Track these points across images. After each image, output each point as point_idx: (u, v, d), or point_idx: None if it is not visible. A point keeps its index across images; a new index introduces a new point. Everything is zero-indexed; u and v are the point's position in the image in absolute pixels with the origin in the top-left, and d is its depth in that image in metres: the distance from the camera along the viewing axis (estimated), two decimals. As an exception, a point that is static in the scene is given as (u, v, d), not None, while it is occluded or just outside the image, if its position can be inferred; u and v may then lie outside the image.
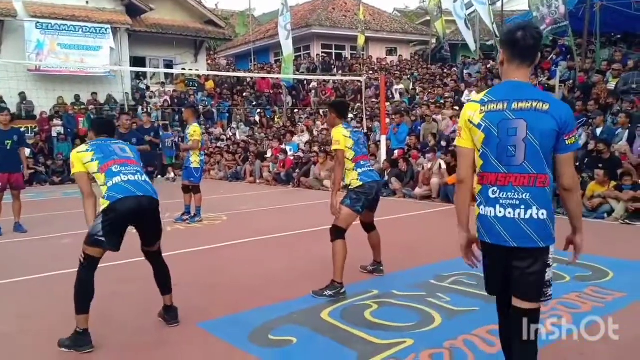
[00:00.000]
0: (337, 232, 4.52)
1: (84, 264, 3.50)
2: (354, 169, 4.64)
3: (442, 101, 14.80)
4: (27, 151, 15.29)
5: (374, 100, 18.00)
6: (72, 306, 3.47)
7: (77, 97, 18.63)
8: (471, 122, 2.33)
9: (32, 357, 3.52)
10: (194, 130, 8.22)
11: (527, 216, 2.24)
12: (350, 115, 16.29)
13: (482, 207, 2.36)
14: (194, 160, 8.25)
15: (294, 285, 4.83)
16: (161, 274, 3.89)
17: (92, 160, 3.56)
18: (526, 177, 2.24)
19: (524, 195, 2.25)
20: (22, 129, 15.88)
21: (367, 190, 4.62)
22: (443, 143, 12.06)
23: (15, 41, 17.87)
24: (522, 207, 2.25)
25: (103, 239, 3.44)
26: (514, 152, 2.24)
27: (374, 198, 4.75)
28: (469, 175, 2.42)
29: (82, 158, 3.57)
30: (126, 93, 19.99)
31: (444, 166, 10.44)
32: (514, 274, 2.32)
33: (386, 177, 11.51)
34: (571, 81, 12.58)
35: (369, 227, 5.06)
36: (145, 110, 18.32)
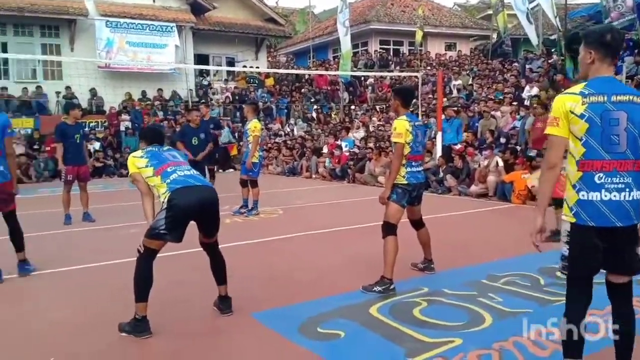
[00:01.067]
0: (388, 228, 4.54)
1: (143, 255, 3.66)
2: (405, 166, 4.61)
3: (501, 97, 14.49)
4: (97, 144, 16.32)
5: (430, 96, 17.83)
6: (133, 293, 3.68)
7: (143, 93, 19.50)
8: (573, 113, 2.49)
9: (94, 340, 3.68)
10: (254, 125, 8.41)
11: (631, 198, 2.49)
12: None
13: (583, 192, 2.53)
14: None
15: (344, 280, 4.88)
16: (217, 265, 4.03)
17: (147, 166, 3.76)
18: (629, 162, 2.48)
19: (628, 180, 2.48)
20: (92, 124, 17.09)
21: (411, 189, 4.65)
22: (502, 140, 11.85)
23: (87, 39, 18.86)
24: (627, 190, 2.48)
25: (166, 232, 3.58)
26: (617, 140, 2.46)
27: (417, 195, 4.77)
28: (559, 162, 2.59)
29: (136, 163, 3.80)
30: (190, 90, 20.72)
31: (501, 164, 10.26)
32: (614, 252, 2.54)
33: (441, 174, 11.45)
34: (638, 76, 12.02)
35: (417, 224, 5.04)
36: (205, 102, 18.97)
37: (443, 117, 12.78)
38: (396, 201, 4.60)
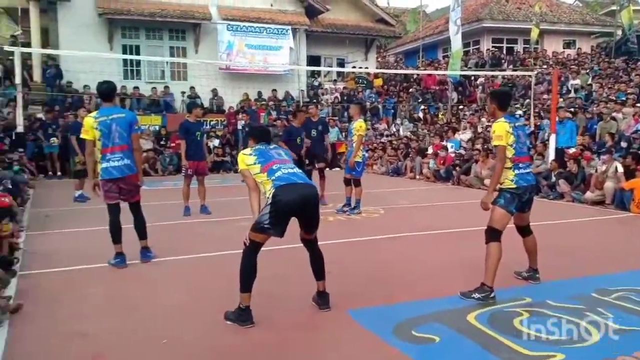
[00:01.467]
0: (492, 234, 4.41)
1: (249, 248, 3.86)
2: (512, 169, 4.46)
3: (623, 98, 13.63)
4: (216, 141, 17.46)
5: (545, 96, 17.13)
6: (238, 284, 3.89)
7: (259, 94, 20.56)
8: None
9: (200, 326, 3.93)
10: (360, 125, 8.64)
11: None
12: (519, 112, 15.77)
13: None
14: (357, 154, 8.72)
15: (443, 284, 4.86)
16: (316, 260, 4.16)
17: (255, 163, 3.97)
18: None
19: None
20: (213, 122, 18.33)
21: (521, 192, 4.47)
22: (623, 144, 11.20)
23: (210, 42, 20.07)
24: None
25: (269, 227, 3.78)
26: None
27: (527, 199, 4.58)
28: None
29: (245, 160, 4.03)
30: (302, 90, 21.52)
31: (620, 169, 9.66)
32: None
33: (553, 178, 11.07)
34: None
35: (524, 230, 4.83)
36: (315, 102, 19.66)
37: (557, 118, 12.31)
38: (503, 206, 4.45)
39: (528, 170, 4.62)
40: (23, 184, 11.24)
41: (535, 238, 4.89)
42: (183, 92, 19.30)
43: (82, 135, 5.49)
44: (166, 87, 19.46)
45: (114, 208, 5.47)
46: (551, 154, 11.82)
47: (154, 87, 19.48)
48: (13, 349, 3.59)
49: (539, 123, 14.75)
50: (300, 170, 4.17)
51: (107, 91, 5.66)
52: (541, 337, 3.60)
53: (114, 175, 5.34)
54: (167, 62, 19.85)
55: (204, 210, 8.72)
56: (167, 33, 20.22)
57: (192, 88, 19.33)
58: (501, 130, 4.43)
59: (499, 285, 4.44)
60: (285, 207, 3.80)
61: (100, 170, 5.39)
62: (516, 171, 4.47)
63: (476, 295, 4.34)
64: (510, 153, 4.46)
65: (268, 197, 3.84)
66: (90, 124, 5.35)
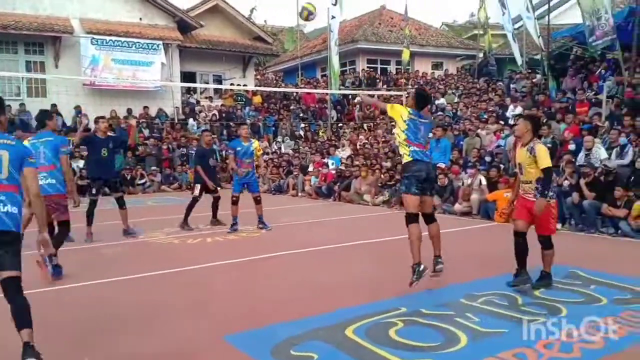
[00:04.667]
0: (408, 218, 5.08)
1: None
2: (408, 154, 5.07)
3: (485, 116, 14.55)
4: (81, 163, 16.02)
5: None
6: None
7: (129, 111, 19.33)
8: None
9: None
10: (258, 144, 9.04)
11: None
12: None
13: None
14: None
15: (322, 301, 4.84)
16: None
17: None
18: None
19: None
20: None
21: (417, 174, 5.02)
22: (487, 158, 11.85)
23: (72, 57, 18.69)
24: None
25: None
26: None
27: (425, 179, 5.05)
28: None
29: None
30: (176, 107, 20.63)
31: (484, 182, 10.30)
32: None
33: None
34: (618, 96, 12.13)
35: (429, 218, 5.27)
36: (197, 123, 18.94)
37: (430, 136, 12.77)
38: (406, 191, 5.08)
39: (423, 157, 5.09)
40: None
41: (438, 227, 5.31)
42: (42, 110, 17.58)
43: None
44: (22, 105, 17.70)
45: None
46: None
47: (9, 105, 17.51)
48: None
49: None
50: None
51: (39, 118, 6.41)
52: (415, 345, 3.71)
53: None
54: (22, 78, 18.06)
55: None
56: (23, 46, 18.54)
57: (53, 105, 17.69)
58: (398, 107, 5.27)
59: (375, 298, 4.70)
60: None
61: None
62: (412, 157, 5.02)
63: (414, 278, 4.91)
64: (402, 136, 5.07)
65: None
66: None
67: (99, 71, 18.68)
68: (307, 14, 14.98)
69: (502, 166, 10.87)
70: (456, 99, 18.74)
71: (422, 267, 4.90)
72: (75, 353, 3.75)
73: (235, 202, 8.69)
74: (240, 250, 7.34)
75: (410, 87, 21.58)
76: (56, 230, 5.90)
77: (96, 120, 8.72)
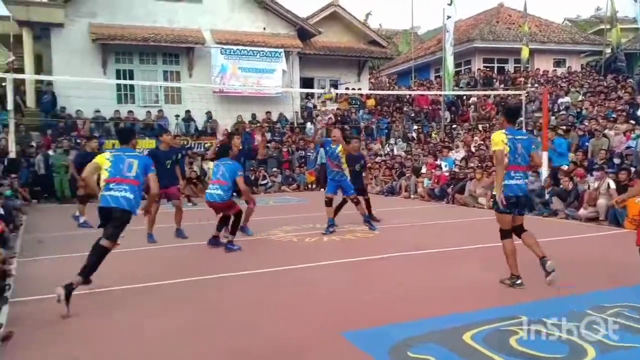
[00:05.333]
0: (501, 233, 5.39)
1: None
2: (504, 178, 5.20)
3: (614, 115, 13.77)
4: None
5: (537, 114, 17.28)
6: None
7: (253, 116, 20.66)
8: None
9: (191, 353, 3.97)
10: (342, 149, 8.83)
11: None
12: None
13: None
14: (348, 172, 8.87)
15: (437, 304, 4.89)
16: None
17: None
18: None
19: None
20: (207, 144, 18.25)
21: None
22: (616, 160, 11.28)
23: (204, 66, 20.25)
24: None
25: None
26: None
27: (515, 202, 5.26)
28: None
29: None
30: (296, 112, 21.65)
31: (613, 186, 9.71)
32: None
33: (547, 196, 11.10)
34: None
35: (518, 229, 5.42)
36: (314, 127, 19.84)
37: (549, 136, 12.41)
38: (498, 210, 5.35)
39: (519, 181, 5.27)
40: (16, 209, 11.19)
41: (530, 234, 5.39)
42: (177, 116, 19.39)
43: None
44: (160, 111, 19.53)
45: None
46: (544, 172, 11.88)
47: (149, 111, 19.55)
48: (4, 377, 3.51)
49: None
50: None
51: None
52: (537, 356, 3.59)
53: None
54: (160, 86, 19.95)
55: (180, 233, 8.67)
56: (161, 57, 20.39)
57: (187, 111, 19.41)
58: (497, 138, 5.28)
59: (493, 304, 4.57)
60: None
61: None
62: (506, 181, 5.20)
63: (507, 281, 5.31)
64: (504, 161, 5.16)
65: None
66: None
67: (227, 79, 20.05)
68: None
69: (632, 169, 10.31)
70: (580, 97, 17.83)
71: (519, 281, 5.25)
72: (194, 343, 4.05)
73: (328, 204, 8.84)
74: (354, 250, 7.51)
75: (529, 86, 20.85)
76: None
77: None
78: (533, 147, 5.53)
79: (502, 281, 5.36)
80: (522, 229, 5.42)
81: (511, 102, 19.62)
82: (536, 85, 21.35)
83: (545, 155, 12.18)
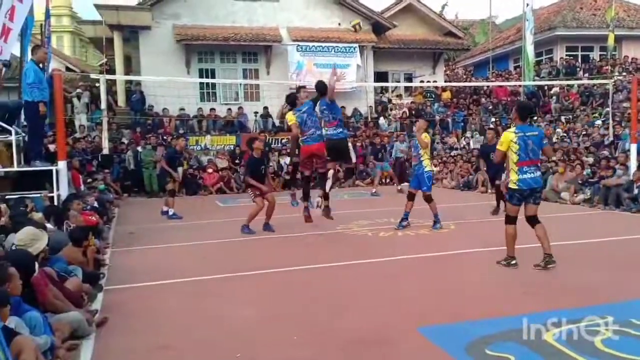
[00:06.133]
0: (507, 219, 6.01)
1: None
2: (516, 173, 5.65)
3: None
4: (288, 159, 17.86)
5: (625, 104, 16.41)
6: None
7: (327, 110, 20.92)
8: None
9: (274, 343, 4.08)
10: (426, 136, 8.81)
11: None
12: (598, 122, 15.15)
13: None
14: (427, 164, 8.82)
15: (515, 302, 4.88)
16: None
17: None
18: None
19: None
20: (284, 140, 18.64)
21: (521, 192, 5.75)
22: None
23: (280, 63, 20.73)
24: None
25: None
26: None
27: (528, 195, 5.74)
28: None
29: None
30: (370, 106, 21.71)
31: None
32: None
33: (636, 191, 10.60)
34: None
35: (531, 220, 5.90)
36: (388, 121, 19.80)
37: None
38: (510, 201, 6.00)
39: (532, 175, 5.67)
40: (109, 202, 12.09)
41: (543, 226, 5.82)
42: (256, 112, 19.99)
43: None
44: (240, 108, 20.20)
45: None
46: (633, 165, 11.34)
47: (229, 108, 20.29)
48: (99, 361, 3.84)
49: (618, 133, 14.15)
50: None
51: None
52: (623, 357, 3.51)
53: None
54: (240, 84, 20.64)
55: (267, 227, 8.91)
56: (241, 56, 21.06)
57: (265, 108, 19.99)
58: (505, 139, 5.71)
59: (582, 303, 4.50)
60: None
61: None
62: (519, 175, 5.65)
63: (502, 262, 5.93)
64: (514, 158, 5.60)
65: None
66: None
67: (303, 75, 20.34)
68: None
69: None
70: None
71: (514, 261, 5.86)
72: (280, 329, 4.30)
73: (410, 198, 8.85)
74: (428, 245, 7.56)
75: (617, 74, 19.79)
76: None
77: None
78: (544, 142, 5.91)
79: (499, 262, 5.98)
80: (537, 220, 5.87)
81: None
82: (624, 73, 20.22)
83: (633, 148, 11.63)
